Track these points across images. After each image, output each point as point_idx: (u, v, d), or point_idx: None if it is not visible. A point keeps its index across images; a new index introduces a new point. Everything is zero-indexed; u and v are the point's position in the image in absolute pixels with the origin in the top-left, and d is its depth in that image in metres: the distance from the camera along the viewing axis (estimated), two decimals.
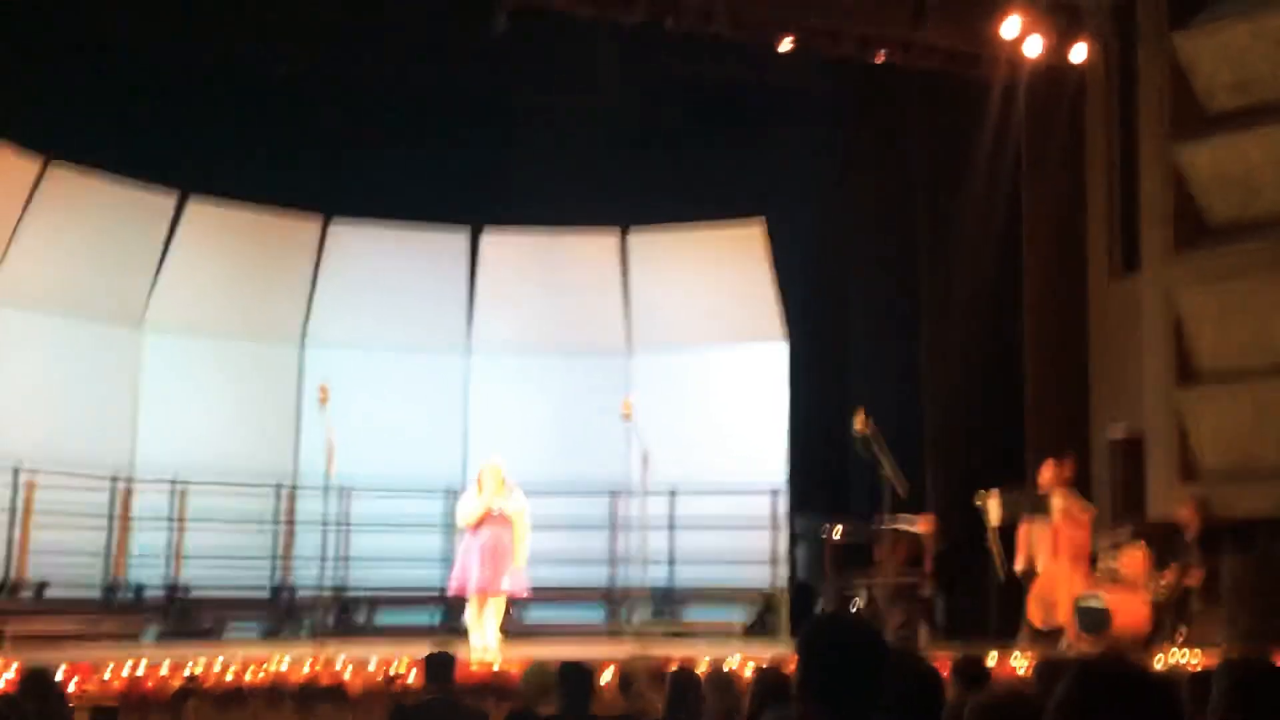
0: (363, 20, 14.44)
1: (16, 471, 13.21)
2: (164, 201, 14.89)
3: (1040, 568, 13.23)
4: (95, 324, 14.47)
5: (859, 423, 12.07)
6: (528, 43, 14.09)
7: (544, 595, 15.63)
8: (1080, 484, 13.62)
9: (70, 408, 14.11)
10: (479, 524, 11.74)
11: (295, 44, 14.55)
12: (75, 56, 13.60)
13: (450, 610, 13.86)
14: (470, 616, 11.88)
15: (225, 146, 14.73)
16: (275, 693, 9.23)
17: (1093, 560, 13.30)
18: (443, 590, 12.48)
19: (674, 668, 7.29)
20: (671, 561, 15.57)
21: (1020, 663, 10.73)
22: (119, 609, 14.08)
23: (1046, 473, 13.36)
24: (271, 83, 14.75)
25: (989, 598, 12.35)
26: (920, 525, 13.79)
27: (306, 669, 9.33)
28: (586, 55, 14.69)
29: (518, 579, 11.90)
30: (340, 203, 15.85)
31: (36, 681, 6.22)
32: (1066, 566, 12.99)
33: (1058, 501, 13.01)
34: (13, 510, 13.21)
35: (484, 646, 11.36)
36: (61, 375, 14.13)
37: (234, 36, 14.27)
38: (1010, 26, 13.79)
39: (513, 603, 15.51)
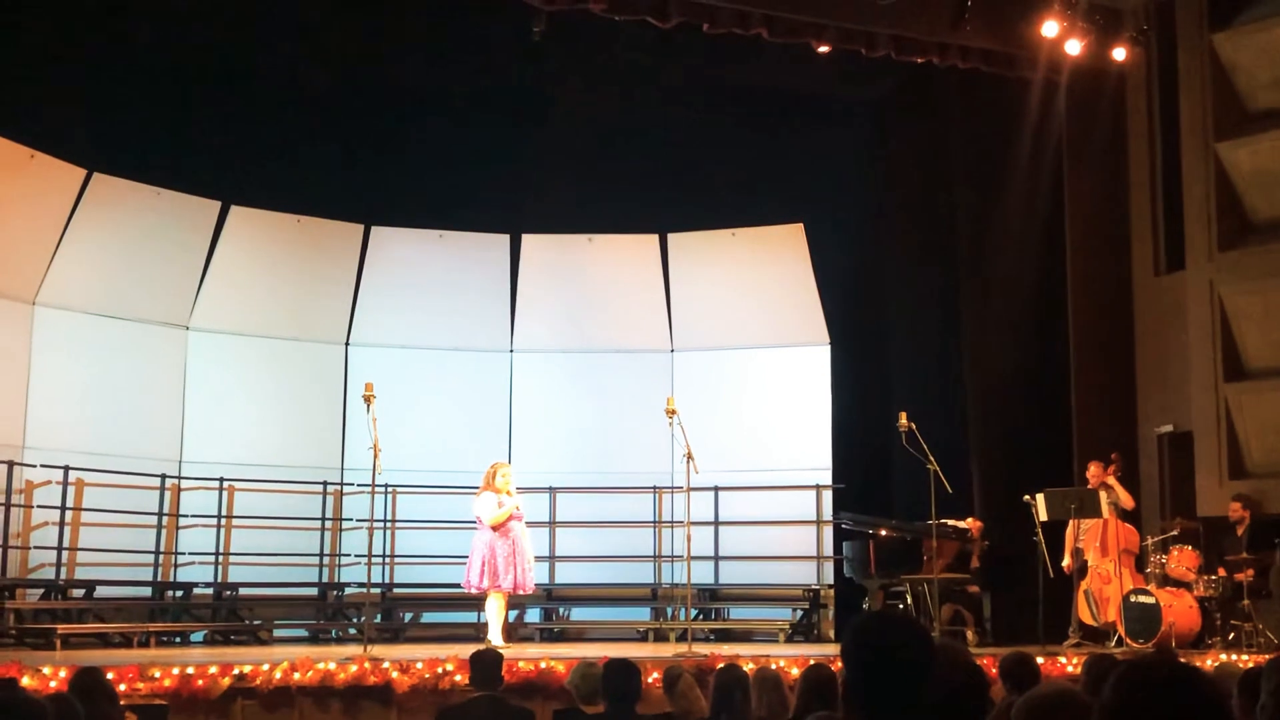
0: (401, 30, 14.45)
1: (66, 472, 13.33)
2: (208, 206, 14.98)
3: (1090, 564, 13.21)
4: (142, 326, 14.57)
5: (903, 422, 12.07)
6: (565, 49, 14.10)
7: (588, 594, 15.74)
8: (1128, 481, 13.59)
9: (118, 409, 14.21)
10: (504, 524, 12.03)
11: (332, 56, 14.61)
12: (115, 71, 13.69)
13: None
14: (494, 612, 12.04)
15: (265, 160, 14.81)
16: (323, 692, 9.28)
17: (1141, 557, 13.27)
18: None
19: (720, 666, 7.30)
20: (716, 559, 15.58)
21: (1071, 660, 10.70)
22: (168, 609, 14.20)
23: (1094, 470, 13.35)
24: (309, 95, 14.83)
25: (1036, 596, 12.30)
26: (969, 525, 13.77)
27: (354, 669, 9.37)
28: (625, 61, 14.68)
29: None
30: (380, 214, 15.91)
31: (87, 681, 6.27)
32: (1116, 563, 12.95)
33: (1105, 497, 13.00)
34: (62, 511, 13.33)
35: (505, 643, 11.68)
36: (109, 377, 14.24)
37: (273, 50, 14.31)
38: (1049, 28, 13.71)
39: (557, 601, 15.74)
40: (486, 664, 7.53)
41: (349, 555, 15.19)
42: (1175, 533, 13.15)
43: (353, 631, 14.49)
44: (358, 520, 14.76)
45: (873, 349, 16.11)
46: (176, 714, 8.67)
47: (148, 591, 14.13)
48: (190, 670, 8.88)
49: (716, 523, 15.51)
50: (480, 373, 16.12)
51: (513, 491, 12.24)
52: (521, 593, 12.28)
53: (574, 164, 15.42)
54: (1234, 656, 11.21)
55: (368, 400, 10.90)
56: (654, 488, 15.66)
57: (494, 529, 12.00)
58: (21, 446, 13.38)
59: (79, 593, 13.44)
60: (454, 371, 15.99)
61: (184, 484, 14.57)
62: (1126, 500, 13.31)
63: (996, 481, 14.31)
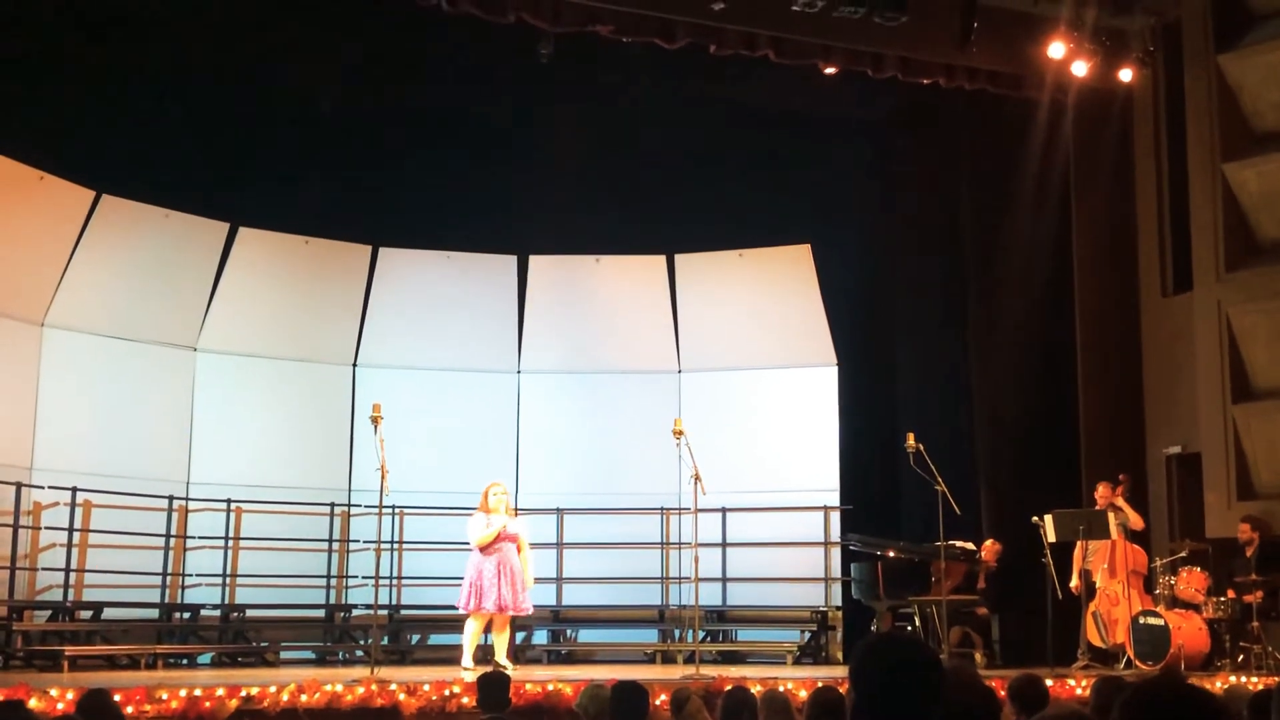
0: (407, 52, 14.48)
1: (74, 493, 13.35)
2: (216, 228, 15.01)
3: (1098, 585, 13.18)
4: (150, 347, 14.60)
5: (911, 443, 12.06)
6: (572, 70, 14.12)
7: (596, 616, 15.71)
8: (1137, 502, 13.57)
9: (126, 430, 14.23)
10: (492, 544, 11.82)
11: (340, 78, 14.64)
12: (124, 94, 13.74)
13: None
14: (471, 632, 11.88)
15: (273, 182, 14.83)
16: (330, 714, 9.26)
17: (1149, 579, 13.23)
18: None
19: (727, 688, 7.28)
20: (724, 581, 15.56)
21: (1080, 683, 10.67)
22: (175, 630, 14.20)
23: (1102, 491, 13.32)
24: (317, 117, 14.86)
25: (1045, 618, 12.27)
26: (983, 549, 13.76)
27: (361, 690, 9.35)
28: (632, 82, 14.70)
29: (527, 599, 12.09)
30: (388, 235, 15.92)
31: (94, 703, 6.26)
32: (1125, 585, 12.91)
33: (1114, 518, 12.98)
34: (70, 532, 13.34)
35: (483, 663, 11.51)
36: (117, 398, 14.26)
37: (281, 72, 14.35)
38: (1055, 49, 13.72)
39: (565, 623, 15.70)
40: (494, 686, 7.52)
41: (356, 577, 15.18)
42: (1184, 554, 13.12)
43: (360, 653, 14.47)
44: (365, 542, 14.73)
45: (880, 370, 16.10)
46: None
47: (155, 613, 14.14)
48: (197, 692, 8.87)
49: (724, 544, 15.50)
50: (487, 394, 16.11)
51: (504, 510, 12.01)
52: (512, 613, 12.04)
53: (581, 185, 15.44)
54: (1243, 679, 11.19)
55: (375, 421, 10.89)
56: (661, 509, 15.64)
57: (480, 550, 11.84)
58: (29, 468, 13.41)
59: (86, 614, 13.43)
60: (461, 392, 15.98)
61: (191, 505, 14.59)
62: (1135, 521, 13.30)
63: (1005, 503, 14.28)
